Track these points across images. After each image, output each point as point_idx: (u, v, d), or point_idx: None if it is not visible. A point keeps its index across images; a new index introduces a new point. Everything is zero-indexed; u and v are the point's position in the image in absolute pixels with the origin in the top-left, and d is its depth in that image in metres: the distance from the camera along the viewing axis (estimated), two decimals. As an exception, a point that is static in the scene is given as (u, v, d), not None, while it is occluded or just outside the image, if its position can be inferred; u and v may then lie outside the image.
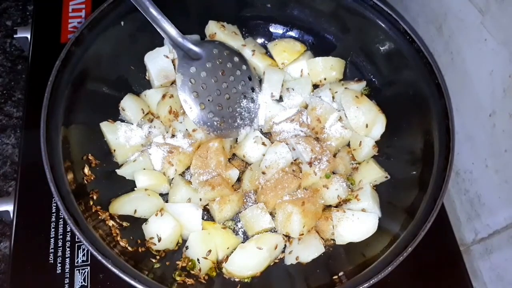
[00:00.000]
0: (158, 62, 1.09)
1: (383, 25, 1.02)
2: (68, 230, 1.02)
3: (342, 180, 1.03)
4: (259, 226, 0.98)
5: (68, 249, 1.00)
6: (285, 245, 1.00)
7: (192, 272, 0.93)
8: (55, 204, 1.05)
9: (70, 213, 0.81)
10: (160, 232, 0.94)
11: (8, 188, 1.69)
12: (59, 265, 0.97)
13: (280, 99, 1.14)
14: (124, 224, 0.96)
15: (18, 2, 2.08)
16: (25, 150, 1.11)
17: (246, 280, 0.94)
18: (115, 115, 1.07)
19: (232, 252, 0.96)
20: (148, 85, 1.14)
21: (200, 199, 1.00)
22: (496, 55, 0.87)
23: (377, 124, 1.06)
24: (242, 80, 1.07)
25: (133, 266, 0.81)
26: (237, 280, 0.94)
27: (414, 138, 1.00)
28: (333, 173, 1.05)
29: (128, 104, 1.06)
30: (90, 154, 0.99)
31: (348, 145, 1.10)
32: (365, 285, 0.79)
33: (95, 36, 0.98)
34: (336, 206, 1.02)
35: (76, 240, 1.00)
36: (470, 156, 1.01)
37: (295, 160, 1.06)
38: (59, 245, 1.00)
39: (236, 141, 1.10)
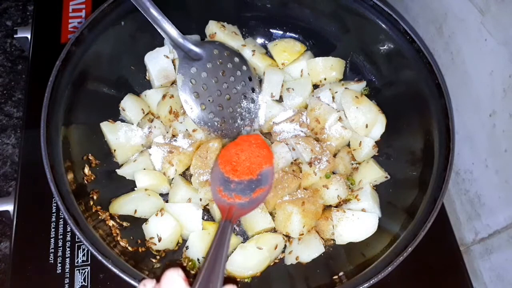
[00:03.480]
0: (158, 62, 1.09)
1: (383, 25, 1.02)
2: (68, 230, 1.02)
3: (342, 180, 1.03)
4: (259, 226, 0.98)
5: (68, 249, 1.00)
6: (285, 245, 1.00)
7: (192, 272, 0.93)
8: (55, 204, 1.05)
9: (70, 213, 0.81)
10: (160, 232, 0.94)
11: (8, 188, 1.70)
12: (59, 265, 0.98)
13: (280, 99, 1.14)
14: (124, 224, 0.96)
15: (18, 2, 2.08)
16: (25, 150, 1.11)
17: (246, 280, 0.94)
18: (115, 115, 1.07)
19: (232, 252, 0.96)
20: (148, 85, 1.14)
21: (200, 199, 1.00)
22: (496, 55, 0.87)
23: (377, 124, 1.06)
24: (243, 81, 1.07)
25: (133, 266, 0.81)
26: (237, 279, 0.94)
27: (414, 138, 1.00)
28: (333, 173, 1.05)
29: (128, 104, 1.06)
30: (90, 154, 0.99)
31: (348, 145, 1.10)
32: (365, 285, 0.79)
33: (95, 36, 0.98)
34: (336, 206, 1.02)
35: (76, 240, 1.00)
36: (470, 156, 1.01)
37: (295, 160, 1.06)
38: (59, 245, 1.00)
39: (236, 141, 1.10)
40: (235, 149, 0.69)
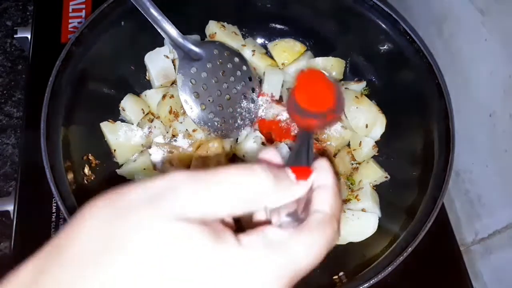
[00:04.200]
0: (158, 62, 1.09)
1: (383, 25, 1.02)
2: (68, 230, 1.02)
3: (342, 180, 1.03)
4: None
5: (68, 249, 0.99)
6: (285, 245, 1.00)
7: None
8: (55, 204, 1.05)
9: (71, 213, 0.81)
10: (160, 232, 0.94)
11: (8, 188, 1.69)
12: (59, 265, 0.97)
13: (280, 99, 1.14)
14: (124, 224, 0.96)
15: (18, 2, 2.08)
16: (25, 150, 1.11)
17: (246, 280, 0.94)
18: (115, 115, 1.07)
19: (232, 252, 0.96)
20: (148, 85, 1.14)
21: (200, 199, 1.00)
22: (496, 56, 0.87)
23: (377, 124, 1.06)
24: (243, 81, 1.07)
25: (133, 266, 0.81)
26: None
27: (414, 138, 1.00)
28: (333, 173, 1.05)
29: (128, 104, 1.06)
30: (90, 154, 0.99)
31: (348, 145, 1.10)
32: (365, 285, 0.79)
33: (95, 36, 0.98)
34: (336, 206, 1.02)
35: (76, 240, 1.00)
36: (470, 156, 1.01)
37: (295, 160, 1.05)
38: (59, 245, 1.00)
39: (237, 141, 1.10)
40: (311, 82, 0.68)
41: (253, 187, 0.39)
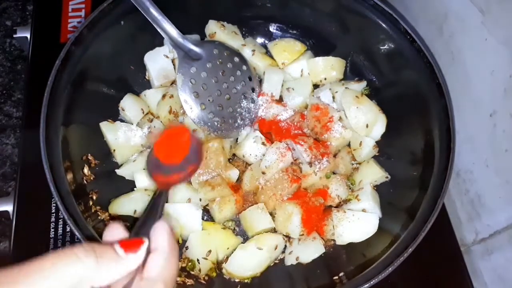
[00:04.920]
0: (158, 62, 1.09)
1: (383, 25, 1.02)
2: (67, 230, 1.02)
3: (343, 180, 1.03)
4: (259, 226, 0.98)
5: (67, 249, 0.99)
6: (285, 246, 1.00)
7: (192, 272, 0.93)
8: (54, 204, 1.05)
9: (70, 213, 0.80)
10: (160, 232, 0.94)
11: (8, 188, 1.69)
12: (58, 265, 0.97)
13: (280, 99, 1.14)
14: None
15: (18, 2, 2.08)
16: (24, 150, 1.11)
17: (246, 281, 0.94)
18: (115, 115, 1.07)
19: (232, 252, 0.96)
20: (148, 85, 1.14)
21: (200, 199, 1.00)
22: (497, 55, 0.87)
23: (378, 124, 1.06)
24: (243, 81, 1.07)
25: (133, 267, 0.80)
26: (237, 280, 0.94)
27: (415, 138, 1.00)
28: (333, 173, 1.05)
29: (128, 104, 1.06)
30: (89, 154, 0.99)
31: (349, 145, 1.10)
32: (365, 286, 0.79)
33: (95, 36, 0.98)
34: (336, 206, 1.02)
35: (76, 240, 1.00)
36: (470, 156, 1.01)
37: (295, 160, 1.05)
38: (59, 245, 1.00)
39: (236, 141, 1.10)
40: (165, 139, 0.73)
41: (76, 272, 0.41)
